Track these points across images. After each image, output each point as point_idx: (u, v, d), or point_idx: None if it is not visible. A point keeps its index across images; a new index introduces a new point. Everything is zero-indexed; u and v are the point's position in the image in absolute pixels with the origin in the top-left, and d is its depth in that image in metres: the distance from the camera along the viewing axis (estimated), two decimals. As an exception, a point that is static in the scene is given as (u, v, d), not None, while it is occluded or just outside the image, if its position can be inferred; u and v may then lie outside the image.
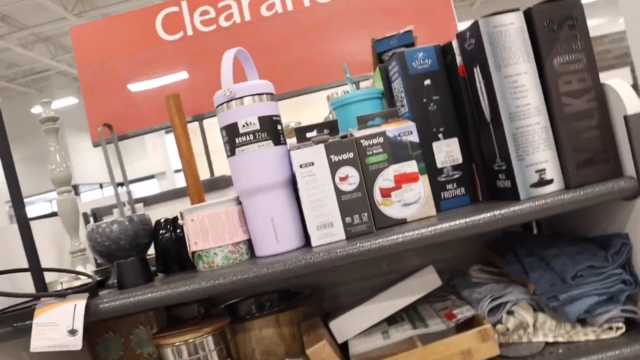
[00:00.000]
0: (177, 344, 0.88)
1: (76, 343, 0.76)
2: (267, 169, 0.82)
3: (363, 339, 0.94)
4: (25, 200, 0.89)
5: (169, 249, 0.91)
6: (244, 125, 0.82)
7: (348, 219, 0.82)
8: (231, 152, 0.84)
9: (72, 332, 0.77)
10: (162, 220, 0.91)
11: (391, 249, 0.76)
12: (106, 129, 1.19)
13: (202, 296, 0.79)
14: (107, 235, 0.92)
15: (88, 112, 1.29)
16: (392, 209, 0.83)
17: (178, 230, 0.92)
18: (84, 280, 0.95)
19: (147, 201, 1.37)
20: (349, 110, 0.97)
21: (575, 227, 0.99)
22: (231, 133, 0.83)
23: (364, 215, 0.82)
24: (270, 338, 0.98)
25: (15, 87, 8.13)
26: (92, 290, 0.84)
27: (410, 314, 0.99)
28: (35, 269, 0.86)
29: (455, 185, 0.87)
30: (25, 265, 0.87)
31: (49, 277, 1.00)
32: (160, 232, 0.90)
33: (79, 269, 1.03)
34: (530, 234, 1.04)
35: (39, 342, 0.77)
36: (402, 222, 0.83)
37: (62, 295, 0.81)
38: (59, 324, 0.77)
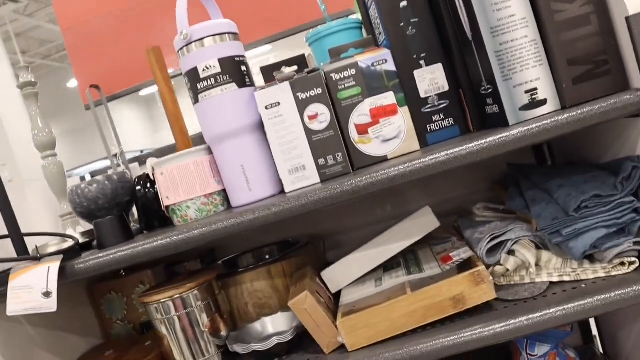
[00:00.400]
0: (162, 300, 0.86)
1: (50, 305, 0.75)
2: (232, 114, 0.77)
3: (356, 287, 0.89)
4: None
5: (148, 205, 0.87)
6: (204, 69, 0.76)
7: (321, 161, 0.76)
8: (195, 99, 0.79)
9: (47, 294, 0.75)
10: (137, 177, 0.88)
11: (366, 189, 0.70)
12: (94, 90, 1.16)
13: (175, 251, 0.75)
14: (85, 195, 0.89)
15: (77, 75, 1.26)
16: (370, 147, 0.76)
17: (156, 186, 0.88)
18: (70, 242, 0.94)
19: (142, 160, 1.34)
20: (325, 44, 0.89)
21: (587, 154, 0.89)
22: (193, 79, 0.78)
23: (338, 156, 0.75)
24: (263, 291, 0.94)
25: (50, 63, 8.28)
26: (69, 252, 0.82)
27: (408, 258, 0.94)
28: (15, 234, 0.84)
29: (442, 115, 0.79)
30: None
31: (42, 241, 0.99)
32: (137, 189, 0.87)
33: (69, 231, 1.02)
34: (537, 165, 0.95)
35: (14, 305, 0.76)
36: (383, 159, 0.76)
37: (37, 258, 0.79)
38: (33, 286, 0.76)
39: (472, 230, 0.90)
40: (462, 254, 0.83)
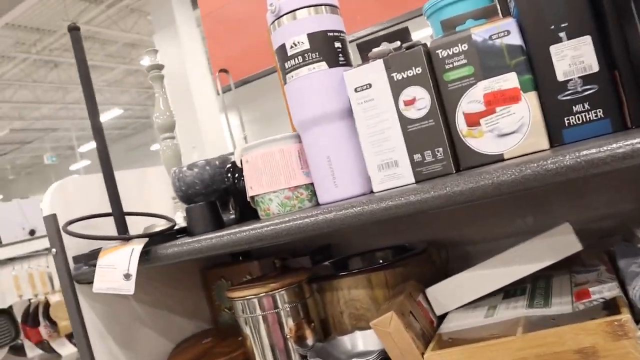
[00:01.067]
0: (247, 297, 0.80)
1: (129, 287, 0.73)
2: (319, 96, 0.67)
3: (465, 313, 0.73)
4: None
5: (237, 194, 0.82)
6: (291, 46, 0.67)
7: (417, 157, 0.62)
8: (284, 79, 0.70)
9: (127, 276, 0.74)
10: (230, 163, 0.83)
11: (463, 195, 0.55)
12: (224, 75, 1.16)
13: (249, 247, 0.69)
14: (183, 180, 0.87)
15: (212, 60, 1.27)
16: (482, 142, 0.60)
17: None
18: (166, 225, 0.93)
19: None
20: (444, 16, 0.74)
21: None
22: (281, 56, 0.69)
23: (438, 151, 0.61)
24: (361, 301, 0.83)
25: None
26: (163, 235, 0.81)
27: (537, 286, 0.75)
28: (117, 212, 0.86)
29: (587, 105, 0.59)
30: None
31: (152, 222, 1.01)
32: (227, 176, 0.82)
33: (178, 214, 1.02)
34: None
35: (99, 283, 0.76)
36: (498, 159, 0.60)
37: (126, 239, 0.79)
38: (117, 267, 0.75)
39: (628, 260, 0.68)
40: (606, 291, 0.62)
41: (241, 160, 0.77)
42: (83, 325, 0.87)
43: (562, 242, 0.71)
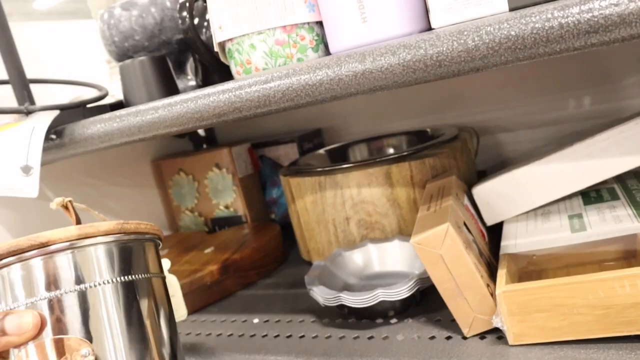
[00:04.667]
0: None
1: (30, 187, 0.47)
2: None
3: (533, 224, 0.51)
4: None
5: (202, 48, 0.54)
6: None
7: (518, -37, 0.35)
8: None
9: (26, 169, 0.48)
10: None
11: (614, 30, 0.29)
12: None
13: (211, 123, 0.43)
14: (116, 27, 0.58)
15: None
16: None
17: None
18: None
19: None
20: None
21: None
22: None
23: (558, -47, 0.34)
24: (375, 203, 0.60)
25: None
26: (81, 108, 0.54)
27: (630, 186, 0.53)
28: (16, 76, 0.57)
29: None
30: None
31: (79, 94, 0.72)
32: (182, 15, 0.53)
33: (115, 81, 0.74)
34: None
35: (-14, 180, 0.50)
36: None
37: (25, 112, 0.51)
38: (9, 154, 0.48)
39: None
40: None
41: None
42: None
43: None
